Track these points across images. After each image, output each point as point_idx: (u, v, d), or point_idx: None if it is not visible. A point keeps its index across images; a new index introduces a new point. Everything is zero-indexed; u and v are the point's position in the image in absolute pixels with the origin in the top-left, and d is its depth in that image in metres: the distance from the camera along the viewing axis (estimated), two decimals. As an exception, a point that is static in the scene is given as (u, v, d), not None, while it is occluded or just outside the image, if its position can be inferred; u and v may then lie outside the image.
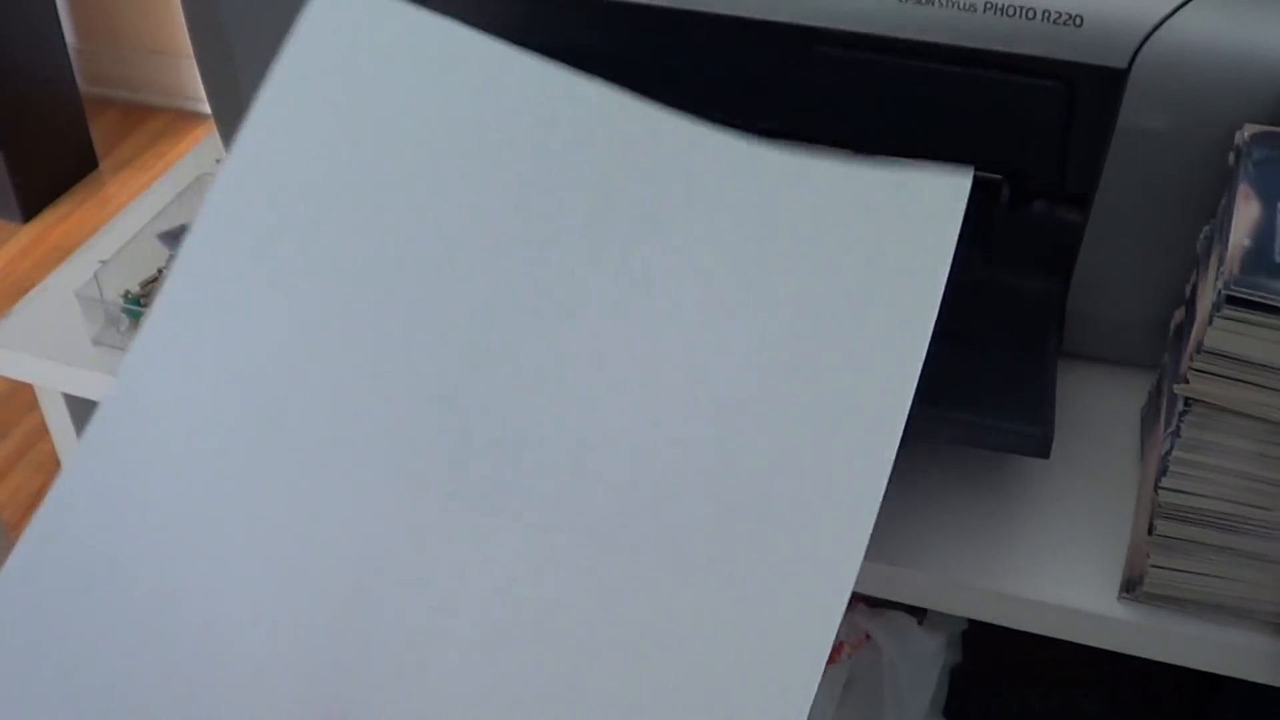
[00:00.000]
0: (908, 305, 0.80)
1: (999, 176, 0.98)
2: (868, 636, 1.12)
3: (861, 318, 0.80)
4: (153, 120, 3.23)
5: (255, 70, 1.06)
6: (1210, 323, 0.70)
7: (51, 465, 2.16)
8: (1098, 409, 0.96)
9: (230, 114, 1.13)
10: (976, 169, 0.95)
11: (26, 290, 1.10)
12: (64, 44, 2.92)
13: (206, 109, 1.13)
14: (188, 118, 3.19)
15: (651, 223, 0.85)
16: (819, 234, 0.85)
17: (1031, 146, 0.95)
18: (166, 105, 3.25)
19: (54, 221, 2.87)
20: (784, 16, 0.91)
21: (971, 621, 1.13)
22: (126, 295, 1.07)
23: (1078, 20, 0.84)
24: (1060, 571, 0.86)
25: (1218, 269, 0.72)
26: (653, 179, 0.87)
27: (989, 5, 0.85)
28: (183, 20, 1.07)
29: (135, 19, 3.19)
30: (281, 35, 1.02)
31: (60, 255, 2.70)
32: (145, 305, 1.05)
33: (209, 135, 1.22)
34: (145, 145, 3.15)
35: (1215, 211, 0.83)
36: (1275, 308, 0.68)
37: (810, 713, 0.69)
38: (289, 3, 1.00)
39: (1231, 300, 0.69)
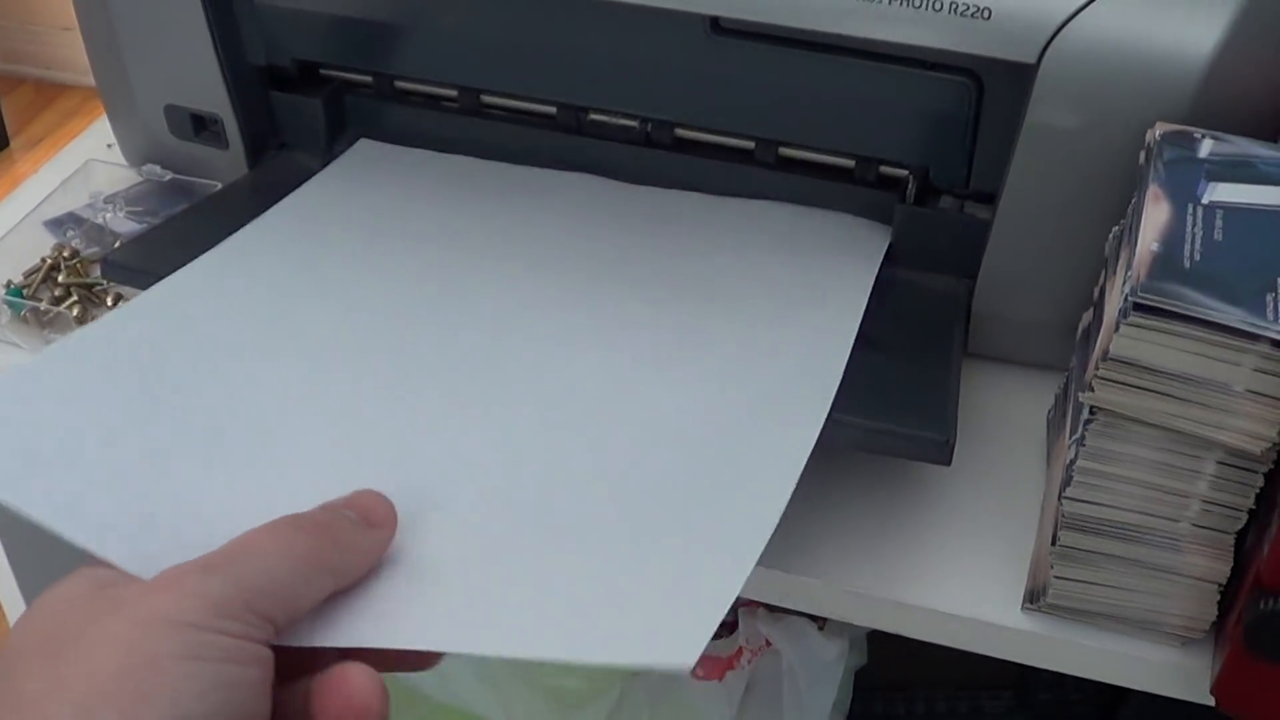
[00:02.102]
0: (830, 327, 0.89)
1: (904, 171, 0.97)
2: (768, 642, 1.11)
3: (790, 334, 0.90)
4: (65, 98, 3.21)
5: (139, 51, 1.04)
6: (1117, 329, 0.68)
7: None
8: (1003, 412, 0.95)
9: (116, 92, 1.11)
10: (881, 162, 0.94)
11: (-63, 269, 1.07)
12: (-26, 20, 2.89)
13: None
14: (100, 96, 3.17)
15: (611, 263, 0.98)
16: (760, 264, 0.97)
17: (938, 142, 0.93)
18: (79, 83, 3.22)
19: (-38, 200, 2.84)
20: (684, 5, 0.89)
21: (877, 623, 1.12)
22: (9, 285, 1.03)
23: (985, 12, 0.82)
24: (963, 581, 0.84)
25: (1126, 273, 0.70)
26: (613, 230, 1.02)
27: (894, -5, 0.84)
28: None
29: (48, -5, 3.17)
30: (164, 17, 1.00)
31: (-32, 235, 2.67)
32: (29, 296, 1.02)
33: (100, 119, 1.19)
34: (57, 123, 3.13)
35: (1125, 211, 0.81)
36: (1184, 316, 0.66)
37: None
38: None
39: (1139, 308, 0.66)
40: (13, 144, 3.04)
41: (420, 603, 0.71)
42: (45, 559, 1.21)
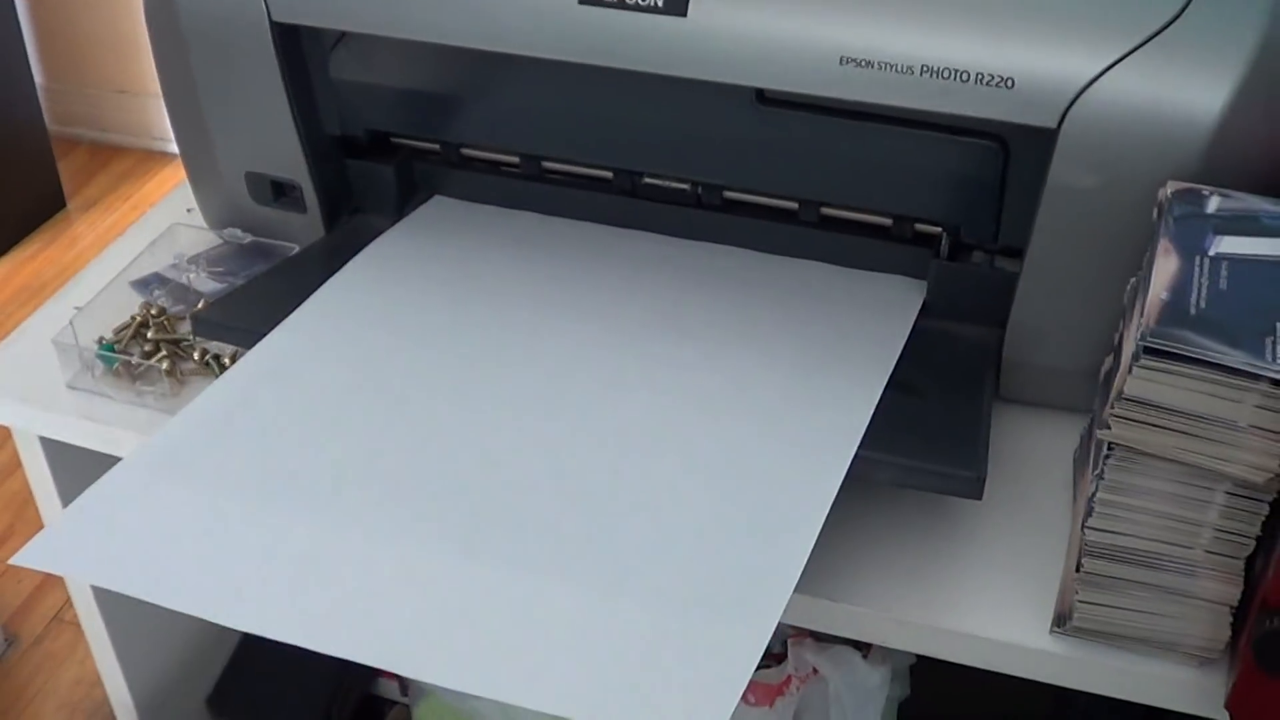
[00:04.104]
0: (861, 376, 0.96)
1: (938, 229, 1.03)
2: (815, 670, 1.15)
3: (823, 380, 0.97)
4: (120, 160, 3.24)
5: (223, 122, 1.10)
6: (1130, 371, 0.74)
7: (18, 504, 2.17)
8: (1032, 452, 0.99)
9: (199, 160, 1.18)
10: (916, 221, 1.00)
11: (-5, 327, 1.14)
12: (33, 83, 2.92)
13: (173, 149, 1.18)
14: (155, 157, 3.20)
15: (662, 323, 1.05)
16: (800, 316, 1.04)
17: (968, 201, 0.99)
18: (134, 145, 3.25)
19: (22, 260, 2.87)
20: (731, 78, 0.95)
21: (919, 657, 1.16)
22: (101, 341, 1.10)
23: (1009, 82, 0.88)
24: (995, 607, 0.89)
25: (1138, 320, 0.76)
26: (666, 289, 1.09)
27: (925, 68, 0.89)
28: (149, 61, 1.11)
29: (104, 59, 3.20)
30: (247, 91, 1.05)
31: (28, 294, 2.71)
32: (120, 351, 1.08)
33: (179, 185, 1.26)
34: (112, 185, 3.15)
35: (1142, 263, 0.86)
36: (1190, 358, 0.72)
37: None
38: (252, 52, 1.06)
39: (1149, 351, 0.73)
40: (69, 205, 3.07)
41: (455, 641, 0.80)
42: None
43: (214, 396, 0.97)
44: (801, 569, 0.82)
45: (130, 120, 3.25)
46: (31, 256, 2.90)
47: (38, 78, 3.00)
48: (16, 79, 2.88)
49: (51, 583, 2.05)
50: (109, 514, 0.89)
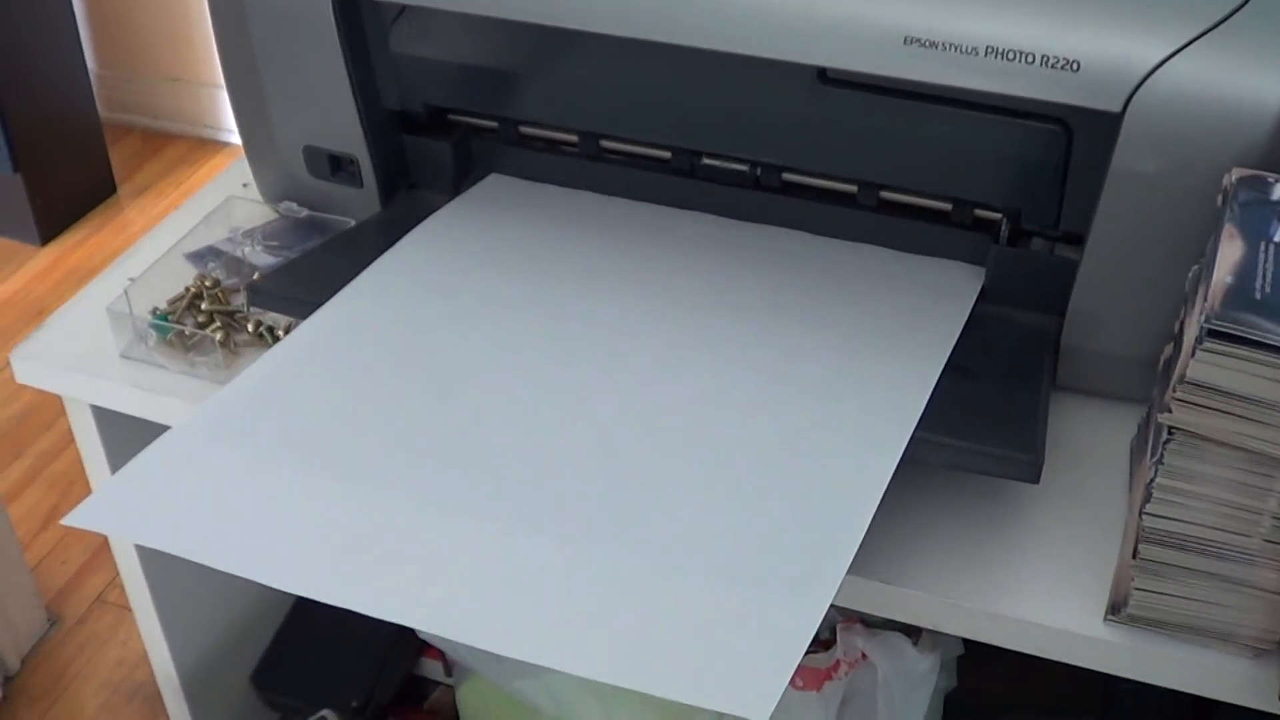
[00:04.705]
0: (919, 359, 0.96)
1: (998, 214, 1.02)
2: (864, 656, 1.15)
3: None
4: (171, 147, 3.25)
5: (281, 96, 1.10)
6: (1193, 355, 0.73)
7: (64, 484, 2.18)
8: (1089, 440, 0.99)
9: (256, 134, 1.18)
10: (976, 205, 0.99)
11: (44, 312, 1.14)
12: (86, 70, 2.94)
13: (224, 137, 1.19)
14: (206, 145, 3.21)
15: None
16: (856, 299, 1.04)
17: (1030, 185, 0.99)
18: (185, 133, 3.27)
19: (72, 245, 2.89)
20: (792, 56, 0.95)
21: (966, 647, 1.16)
22: (155, 312, 1.10)
23: (1074, 65, 0.88)
24: (1049, 594, 0.89)
25: (1202, 304, 0.75)
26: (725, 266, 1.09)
27: (990, 49, 0.89)
28: (202, 49, 1.12)
29: (156, 47, 3.22)
30: (306, 64, 1.06)
31: (78, 278, 2.73)
32: (174, 321, 1.09)
33: (235, 160, 1.26)
34: (163, 172, 3.17)
35: (1204, 251, 0.85)
36: (1254, 341, 0.71)
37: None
38: (313, 26, 1.06)
39: (1213, 334, 0.72)
40: (120, 191, 3.09)
41: (504, 607, 0.81)
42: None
43: (268, 364, 0.98)
44: (856, 549, 0.82)
45: (182, 108, 3.27)
46: (81, 241, 2.92)
47: (91, 64, 3.02)
48: (70, 66, 2.90)
49: (95, 564, 2.06)
50: (161, 477, 0.89)
